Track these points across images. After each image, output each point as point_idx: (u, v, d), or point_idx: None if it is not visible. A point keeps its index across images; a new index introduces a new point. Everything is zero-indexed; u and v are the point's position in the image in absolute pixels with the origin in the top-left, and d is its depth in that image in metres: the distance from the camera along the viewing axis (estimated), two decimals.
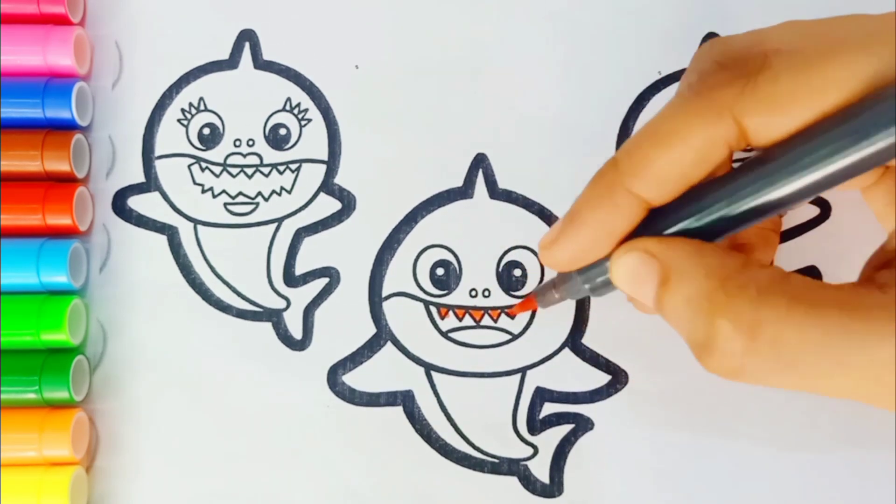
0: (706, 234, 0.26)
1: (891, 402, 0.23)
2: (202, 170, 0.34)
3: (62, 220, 0.32)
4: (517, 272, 0.34)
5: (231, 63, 0.35)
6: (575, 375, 0.33)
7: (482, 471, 0.33)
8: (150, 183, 0.34)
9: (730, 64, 0.25)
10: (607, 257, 0.27)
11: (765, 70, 0.24)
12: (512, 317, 0.33)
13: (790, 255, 0.34)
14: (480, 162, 0.34)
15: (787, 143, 0.24)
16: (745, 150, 0.26)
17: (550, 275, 0.33)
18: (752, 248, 0.30)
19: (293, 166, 0.34)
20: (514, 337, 0.33)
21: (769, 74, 0.24)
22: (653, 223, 0.26)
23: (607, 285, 0.28)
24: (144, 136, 0.35)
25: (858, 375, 0.23)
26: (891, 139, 0.22)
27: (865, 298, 0.23)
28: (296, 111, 0.35)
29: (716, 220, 0.25)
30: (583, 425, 0.33)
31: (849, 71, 0.23)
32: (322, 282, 0.34)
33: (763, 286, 0.23)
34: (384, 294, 0.34)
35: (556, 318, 0.33)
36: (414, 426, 0.33)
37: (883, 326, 0.23)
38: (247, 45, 0.35)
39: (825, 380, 0.23)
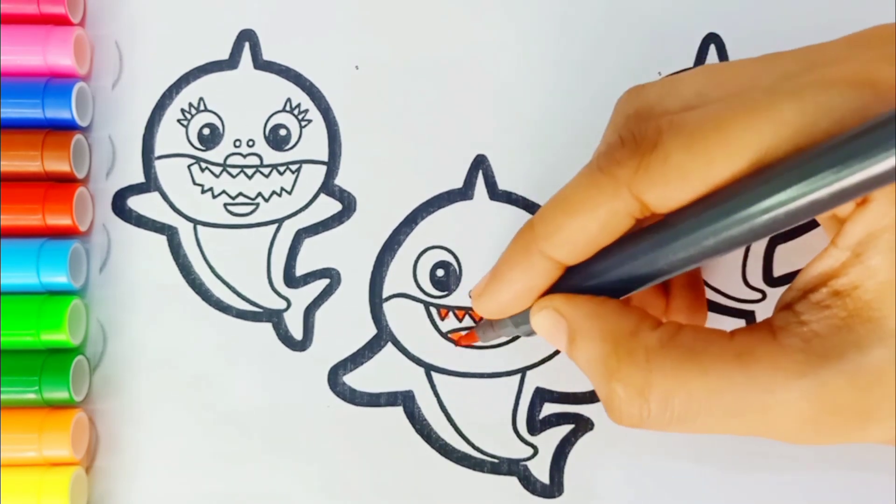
0: (615, 291, 0.27)
1: (790, 439, 0.25)
2: (202, 170, 0.34)
3: (62, 221, 0.32)
4: None
5: (231, 63, 0.35)
6: (575, 376, 0.33)
7: (482, 471, 0.33)
8: (150, 183, 0.34)
9: (629, 140, 0.26)
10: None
11: (657, 149, 0.25)
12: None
13: (790, 256, 0.34)
14: (480, 163, 0.34)
15: (680, 211, 0.25)
16: None
17: None
18: (673, 291, 0.31)
19: (293, 167, 0.34)
20: (515, 337, 0.33)
21: (660, 153, 0.25)
22: (569, 277, 0.28)
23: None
24: (144, 136, 0.35)
25: (749, 420, 0.25)
26: (767, 216, 0.23)
27: (755, 347, 0.25)
28: (296, 112, 0.35)
29: (617, 280, 0.27)
30: (583, 426, 0.33)
31: (734, 147, 0.24)
32: (322, 283, 0.34)
33: (651, 349, 0.25)
34: (384, 295, 0.34)
35: None
36: (414, 426, 0.33)
37: (766, 376, 0.24)
38: (247, 45, 0.35)
39: (722, 426, 0.25)
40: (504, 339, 0.33)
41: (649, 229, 0.26)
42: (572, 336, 0.27)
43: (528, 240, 0.28)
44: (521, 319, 0.30)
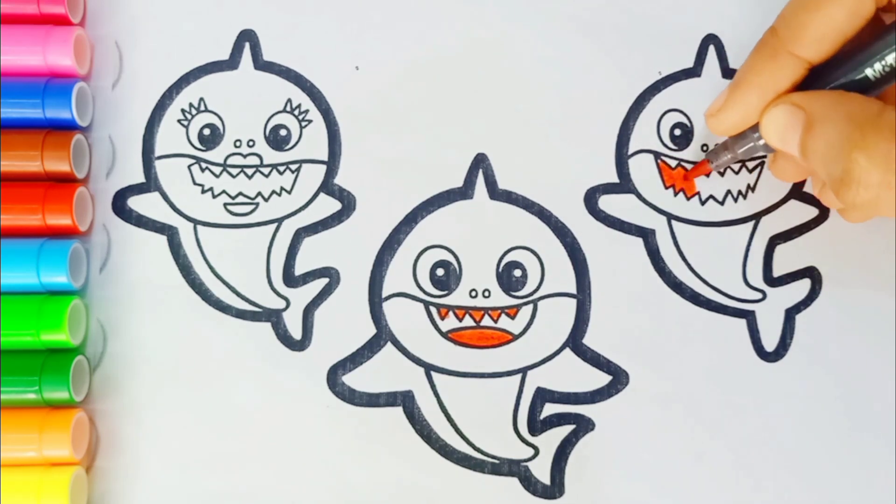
0: (856, 90, 0.29)
1: None
2: (202, 170, 0.34)
3: (62, 221, 0.32)
4: (517, 272, 0.34)
5: (231, 63, 0.35)
6: (576, 376, 0.33)
7: (482, 471, 0.33)
8: (150, 183, 0.34)
9: None
10: None
11: None
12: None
13: (790, 255, 0.34)
14: (480, 162, 0.34)
15: None
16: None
17: (551, 278, 0.34)
18: None
19: (293, 167, 0.34)
20: (515, 337, 0.33)
21: None
22: (806, 85, 0.30)
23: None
24: (144, 136, 0.35)
25: None
26: None
27: None
28: (296, 112, 0.35)
29: (861, 77, 0.29)
30: (584, 426, 0.33)
31: None
32: (322, 282, 0.34)
33: None
34: (384, 294, 0.34)
35: (558, 319, 0.33)
36: (414, 426, 0.33)
37: None
38: (247, 45, 0.35)
39: None
40: (734, 161, 0.33)
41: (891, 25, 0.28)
42: (810, 124, 0.28)
43: (774, 44, 0.30)
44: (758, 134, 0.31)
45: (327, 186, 0.34)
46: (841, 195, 0.27)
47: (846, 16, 0.28)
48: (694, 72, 0.35)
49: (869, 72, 0.29)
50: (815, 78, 0.30)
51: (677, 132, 0.35)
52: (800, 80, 0.30)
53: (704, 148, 0.34)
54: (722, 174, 0.34)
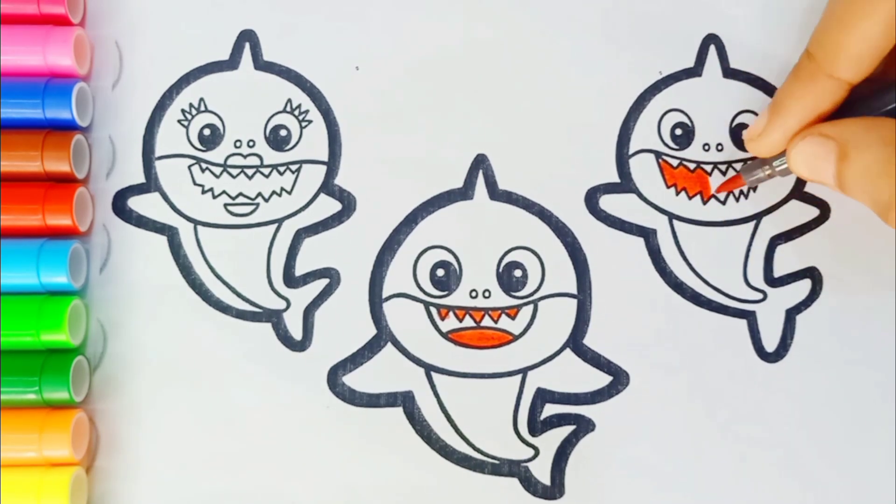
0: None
1: None
2: (202, 170, 0.34)
3: (62, 221, 0.32)
4: (517, 273, 0.34)
5: (231, 64, 0.35)
6: (576, 376, 0.33)
7: (482, 472, 0.33)
8: (151, 183, 0.34)
9: None
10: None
11: None
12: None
13: (790, 255, 0.34)
14: (481, 163, 0.34)
15: None
16: None
17: (552, 279, 0.34)
18: None
19: (293, 167, 0.34)
20: (515, 338, 0.33)
21: None
22: (845, 111, 0.30)
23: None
24: (144, 136, 0.35)
25: None
26: None
27: None
28: (296, 112, 0.35)
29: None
30: (584, 426, 0.33)
31: None
32: (322, 282, 0.34)
33: None
34: (384, 295, 0.34)
35: (558, 319, 0.33)
36: (414, 427, 0.33)
37: None
38: (247, 45, 0.35)
39: None
40: (770, 178, 0.33)
41: None
42: (843, 152, 0.28)
43: (811, 69, 0.30)
44: None
45: (327, 187, 0.34)
46: (889, 221, 0.27)
47: (882, 31, 0.28)
48: (695, 71, 0.35)
49: None
50: (853, 107, 0.30)
51: (678, 132, 0.35)
52: (841, 102, 0.30)
53: (706, 147, 0.34)
54: (724, 172, 0.34)
